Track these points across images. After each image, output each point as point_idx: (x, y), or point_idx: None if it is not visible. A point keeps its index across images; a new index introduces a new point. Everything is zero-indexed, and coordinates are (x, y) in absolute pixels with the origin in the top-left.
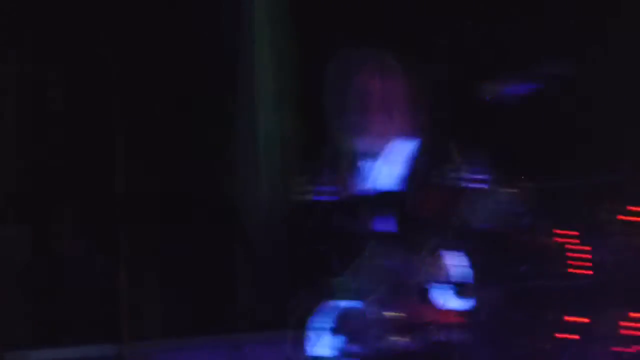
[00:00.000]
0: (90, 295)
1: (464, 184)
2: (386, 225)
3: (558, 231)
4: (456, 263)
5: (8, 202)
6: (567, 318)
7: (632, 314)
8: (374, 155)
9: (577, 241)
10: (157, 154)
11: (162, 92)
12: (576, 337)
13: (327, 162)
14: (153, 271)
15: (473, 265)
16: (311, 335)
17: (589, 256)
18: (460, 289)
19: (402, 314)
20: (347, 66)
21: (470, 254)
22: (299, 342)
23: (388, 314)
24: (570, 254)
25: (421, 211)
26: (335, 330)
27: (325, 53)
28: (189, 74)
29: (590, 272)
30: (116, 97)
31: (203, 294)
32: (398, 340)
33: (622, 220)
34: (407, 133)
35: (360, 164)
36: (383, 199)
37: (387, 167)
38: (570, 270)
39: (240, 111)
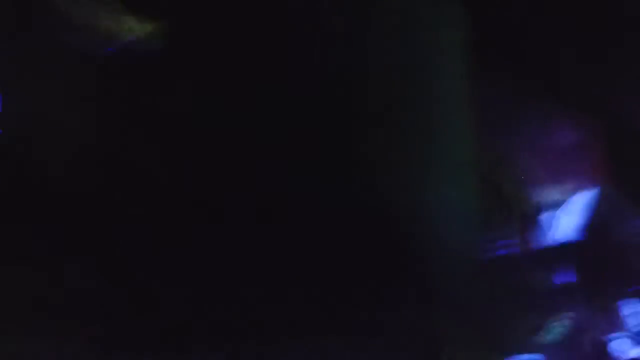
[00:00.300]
0: None
1: None
2: (567, 277)
3: None
4: (636, 313)
5: None
6: None
7: None
8: (553, 206)
9: None
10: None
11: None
12: None
13: (506, 215)
14: None
15: None
16: None
17: None
18: None
19: None
20: (525, 114)
21: None
22: None
23: None
24: None
25: (601, 262)
26: None
27: (501, 100)
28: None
29: None
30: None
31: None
32: None
33: None
34: (588, 182)
35: (539, 215)
36: (563, 251)
37: (567, 218)
38: None
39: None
